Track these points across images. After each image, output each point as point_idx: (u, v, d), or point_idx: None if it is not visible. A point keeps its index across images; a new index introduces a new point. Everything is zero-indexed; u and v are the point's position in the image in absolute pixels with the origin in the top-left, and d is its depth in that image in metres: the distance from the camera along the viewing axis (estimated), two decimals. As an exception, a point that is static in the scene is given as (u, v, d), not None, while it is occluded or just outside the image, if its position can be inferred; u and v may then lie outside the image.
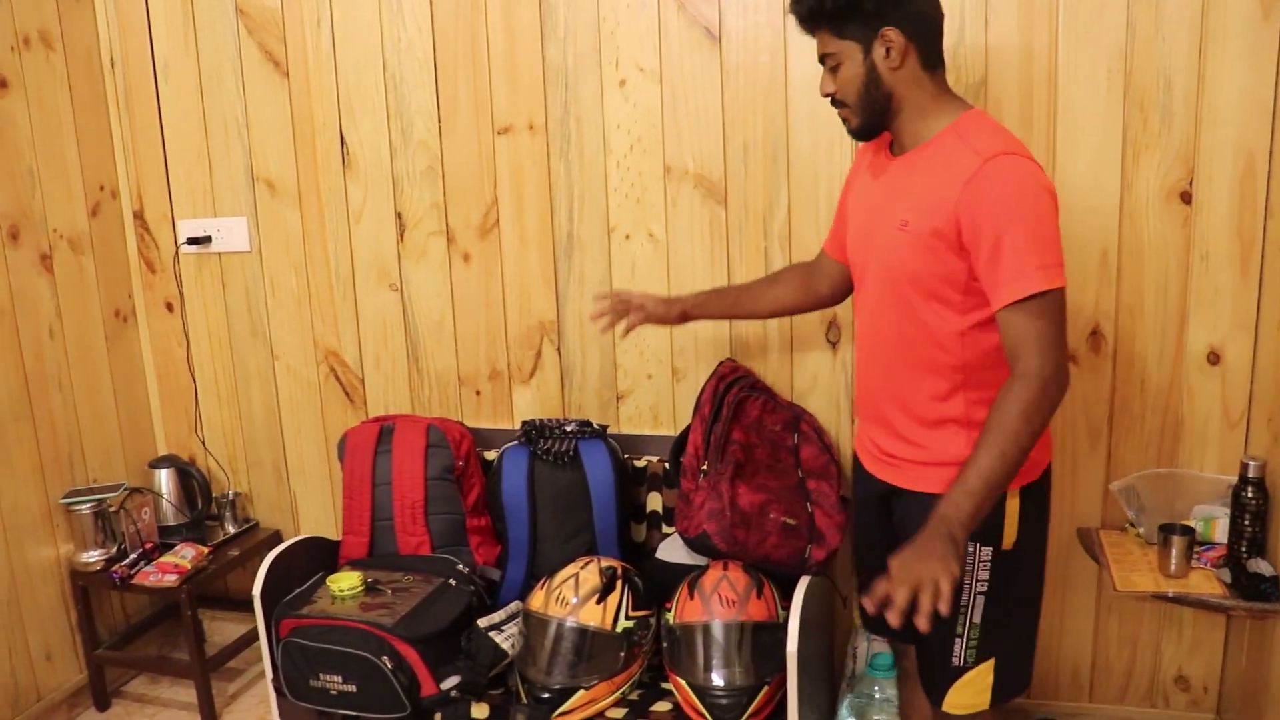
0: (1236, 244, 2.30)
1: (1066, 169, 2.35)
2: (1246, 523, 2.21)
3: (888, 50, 1.73)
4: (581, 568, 2.33)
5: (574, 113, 2.67)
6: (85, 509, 2.94)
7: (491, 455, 2.81)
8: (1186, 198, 2.31)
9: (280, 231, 3.01)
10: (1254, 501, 2.20)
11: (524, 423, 2.69)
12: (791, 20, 2.32)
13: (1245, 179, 2.27)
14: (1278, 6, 2.18)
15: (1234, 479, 2.27)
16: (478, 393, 2.93)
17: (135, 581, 2.85)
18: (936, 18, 1.79)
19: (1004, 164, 1.66)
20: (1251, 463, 2.20)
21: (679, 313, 2.34)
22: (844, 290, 2.22)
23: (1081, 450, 2.49)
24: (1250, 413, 2.37)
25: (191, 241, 3.08)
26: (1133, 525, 2.43)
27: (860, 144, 2.04)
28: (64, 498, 2.95)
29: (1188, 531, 2.24)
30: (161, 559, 2.90)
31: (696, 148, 2.60)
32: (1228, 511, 2.28)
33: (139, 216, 3.16)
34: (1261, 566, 2.18)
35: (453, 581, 2.49)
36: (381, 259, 2.93)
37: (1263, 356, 2.32)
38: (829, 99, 1.85)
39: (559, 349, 2.83)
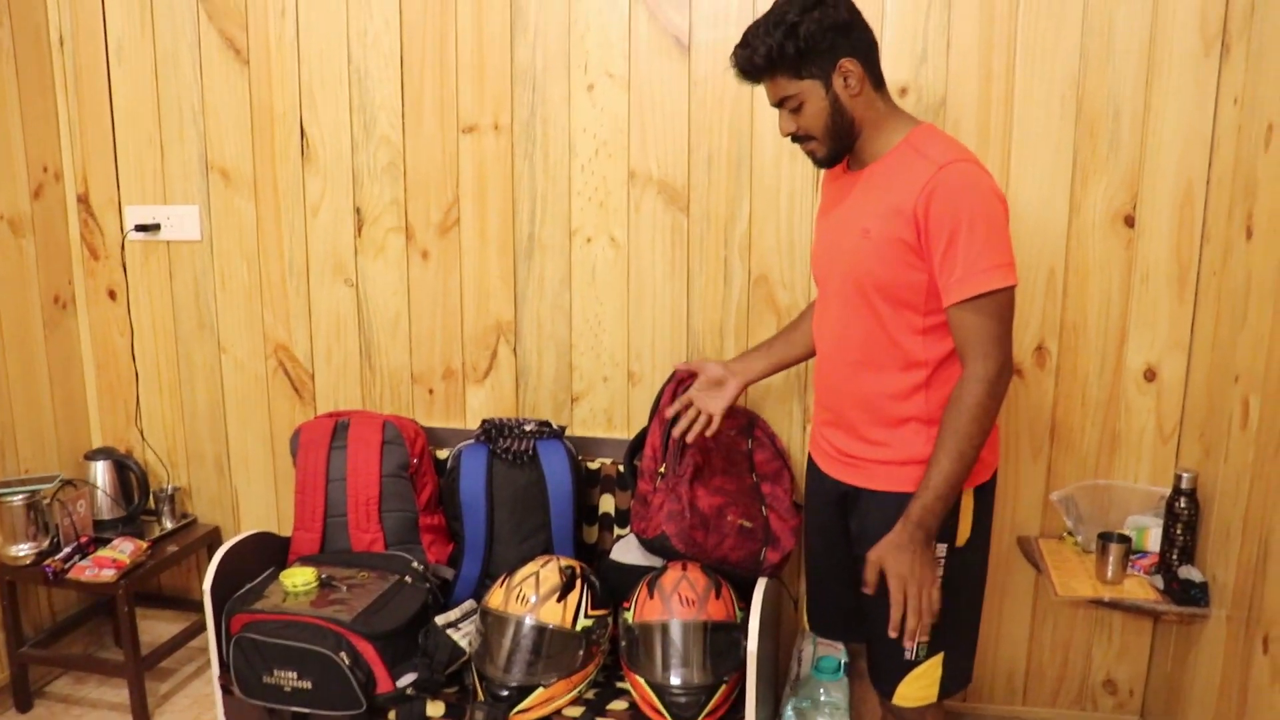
0: (1175, 266, 2.42)
1: (1019, 189, 2.45)
2: (1179, 532, 2.32)
3: (846, 79, 1.82)
4: (542, 566, 2.35)
5: (540, 115, 2.69)
6: (17, 500, 2.84)
7: (443, 454, 2.81)
8: (1130, 221, 2.42)
9: (233, 221, 2.97)
10: (1185, 512, 2.31)
11: (484, 421, 2.69)
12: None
13: (1184, 205, 2.39)
14: (1216, 45, 2.30)
15: (1167, 490, 2.39)
16: (431, 391, 2.92)
17: (70, 576, 2.77)
18: (874, 41, 1.89)
19: (957, 169, 1.75)
20: (1184, 475, 2.31)
21: (738, 389, 2.25)
22: None
23: (1024, 461, 2.59)
24: (1182, 427, 2.48)
25: (140, 229, 3.02)
26: (1071, 534, 2.53)
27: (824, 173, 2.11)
28: (-8, 488, 2.86)
29: (1124, 540, 2.34)
30: (99, 553, 2.83)
31: (661, 155, 2.64)
32: (1160, 521, 2.39)
33: (83, 200, 3.09)
34: (1192, 573, 2.28)
35: (408, 579, 2.48)
36: (338, 253, 2.91)
37: (1195, 374, 2.44)
38: (790, 137, 1.92)
39: (515, 349, 2.84)
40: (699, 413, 2.22)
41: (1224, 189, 2.33)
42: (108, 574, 2.75)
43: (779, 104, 1.89)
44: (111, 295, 3.14)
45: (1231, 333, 2.26)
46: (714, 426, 2.21)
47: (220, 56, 2.88)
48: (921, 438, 1.89)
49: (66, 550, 2.84)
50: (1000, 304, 1.75)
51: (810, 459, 2.17)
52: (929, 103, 2.44)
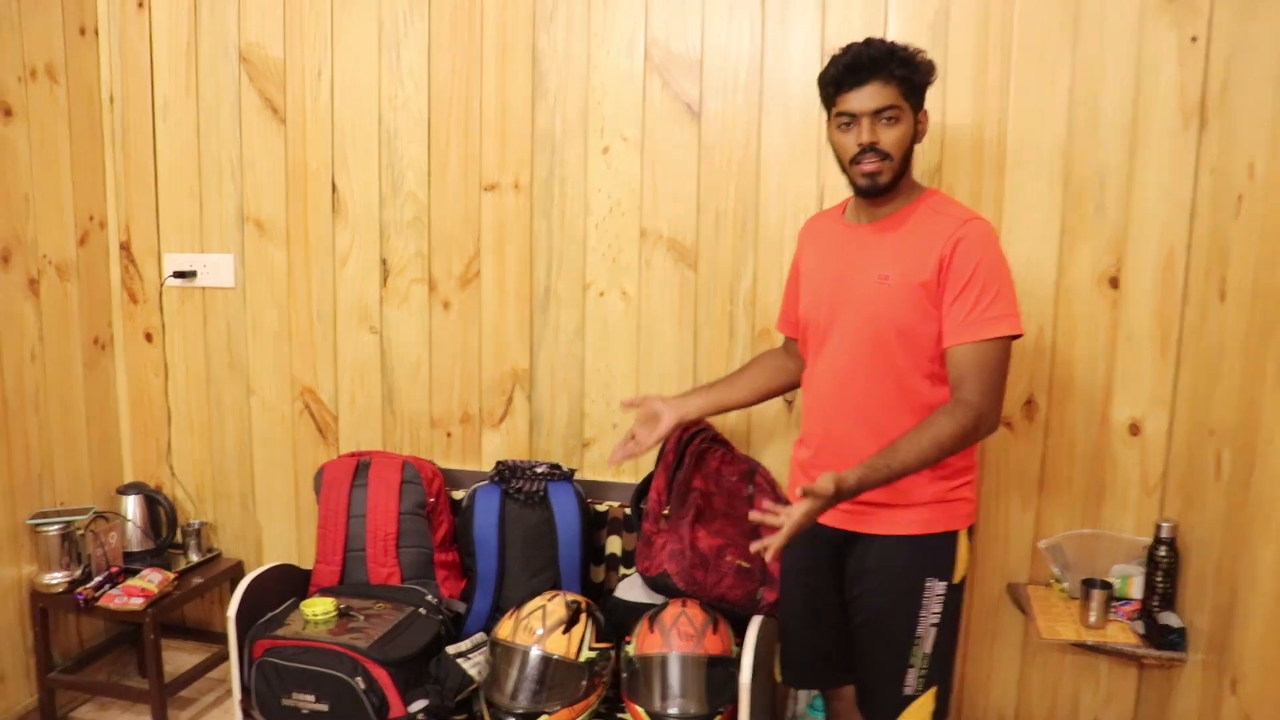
0: (1157, 327, 2.53)
1: (1009, 251, 2.55)
2: (1159, 579, 2.42)
3: (921, 124, 2.03)
4: (549, 600, 2.47)
5: (559, 175, 2.86)
6: (53, 530, 2.98)
7: (459, 495, 2.94)
8: (1115, 283, 2.54)
9: (266, 270, 3.14)
10: (1166, 560, 2.42)
11: (498, 463, 2.83)
12: (768, 100, 2.56)
13: (1166, 269, 2.51)
14: (1195, 119, 2.44)
15: (1149, 540, 2.49)
16: (448, 435, 3.07)
17: (100, 604, 2.90)
18: None
19: (981, 225, 1.96)
20: (1164, 525, 2.42)
21: (670, 424, 2.32)
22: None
23: (1014, 510, 2.69)
24: (1166, 480, 2.58)
25: (178, 275, 3.19)
26: (1058, 580, 2.62)
27: (804, 230, 2.30)
28: (31, 519, 3.00)
29: (1107, 586, 2.45)
30: (128, 582, 2.96)
31: (672, 214, 2.80)
32: (1144, 570, 2.49)
33: (125, 248, 3.27)
34: (1171, 619, 2.38)
35: (422, 610, 2.61)
36: (364, 302, 3.07)
37: (1177, 430, 2.54)
38: (866, 148, 1.97)
39: (530, 396, 2.98)
40: (631, 438, 2.34)
41: (1202, 254, 2.44)
42: (136, 602, 2.88)
43: (877, 111, 1.96)
44: (148, 338, 3.30)
45: (1208, 389, 2.38)
46: (640, 451, 2.33)
47: (259, 116, 3.07)
48: (923, 481, 2.00)
49: (98, 579, 2.97)
50: (1004, 351, 1.92)
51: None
52: (925, 169, 2.59)
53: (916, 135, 2.02)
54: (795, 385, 2.40)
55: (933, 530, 2.04)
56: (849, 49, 1.99)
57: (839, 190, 2.57)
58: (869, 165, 1.99)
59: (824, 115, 2.11)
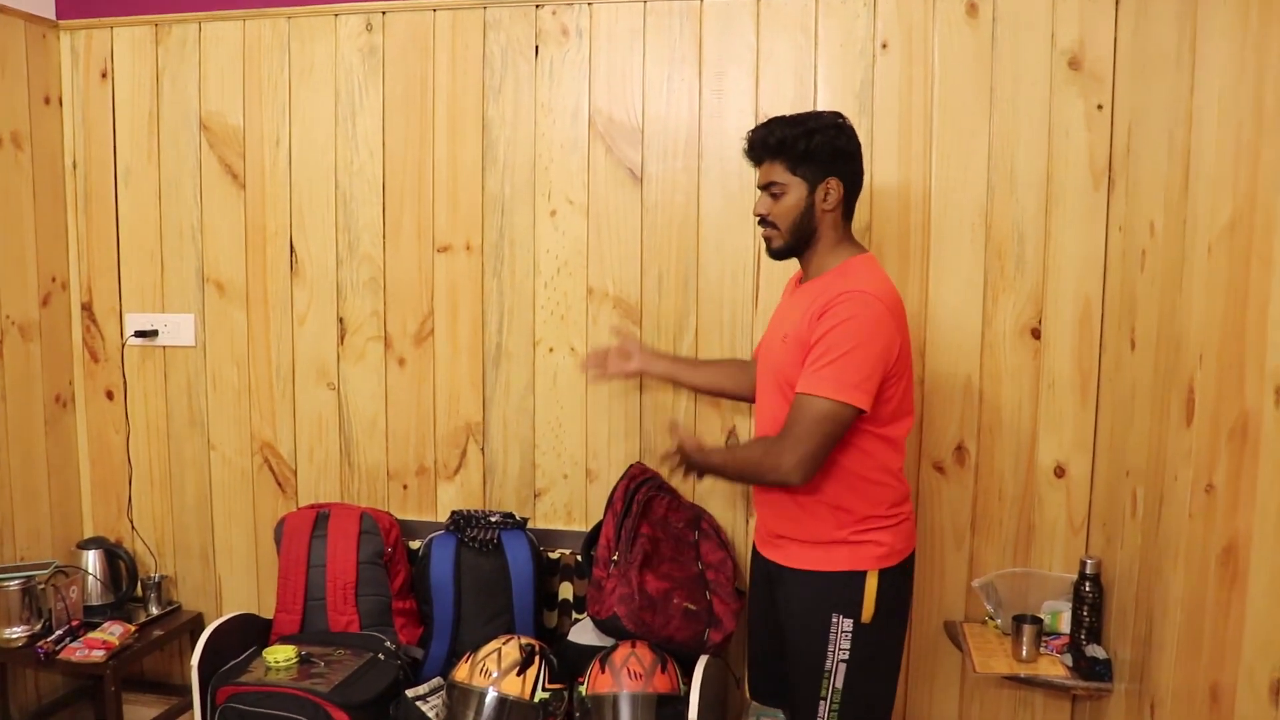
0: (1077, 375, 2.69)
1: (937, 305, 2.73)
2: (1085, 614, 2.55)
3: (826, 195, 2.14)
4: (503, 643, 2.56)
5: (508, 237, 2.99)
6: (13, 585, 2.99)
7: (416, 545, 3.02)
8: (1036, 333, 2.70)
9: (226, 329, 3.23)
10: (1091, 595, 2.54)
11: (453, 512, 2.92)
12: (706, 166, 2.71)
13: (1083, 320, 2.67)
14: (1104, 180, 2.61)
15: (1076, 576, 2.62)
16: (405, 486, 3.15)
17: (61, 656, 2.92)
18: (861, 182, 2.23)
19: (854, 296, 2.04)
20: (1088, 561, 2.55)
21: (636, 369, 2.69)
22: None
23: (948, 550, 2.82)
24: (1090, 519, 2.72)
25: (139, 335, 3.27)
26: (992, 618, 2.75)
27: (790, 282, 2.40)
28: (-10, 575, 3.04)
29: (1037, 621, 2.57)
30: (89, 635, 2.99)
31: (617, 273, 2.93)
32: (1069, 605, 2.62)
33: (87, 308, 3.34)
34: (1097, 651, 2.51)
35: (381, 656, 2.68)
36: (321, 359, 3.16)
37: (1100, 471, 2.69)
38: (759, 219, 2.22)
39: (483, 449, 3.08)
40: (604, 358, 2.69)
41: (1115, 305, 2.60)
42: (97, 654, 2.91)
43: (765, 187, 2.18)
44: (109, 395, 3.37)
45: (1123, 432, 2.52)
46: (604, 375, 2.72)
47: (219, 181, 3.17)
48: (829, 523, 2.16)
49: (58, 633, 2.99)
50: (825, 412, 2.01)
51: (754, 543, 2.43)
52: (856, 229, 2.71)
53: (811, 206, 2.15)
54: (746, 396, 2.59)
55: (838, 568, 2.15)
56: (751, 132, 2.21)
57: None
58: (765, 233, 2.23)
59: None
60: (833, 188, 2.14)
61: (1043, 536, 2.77)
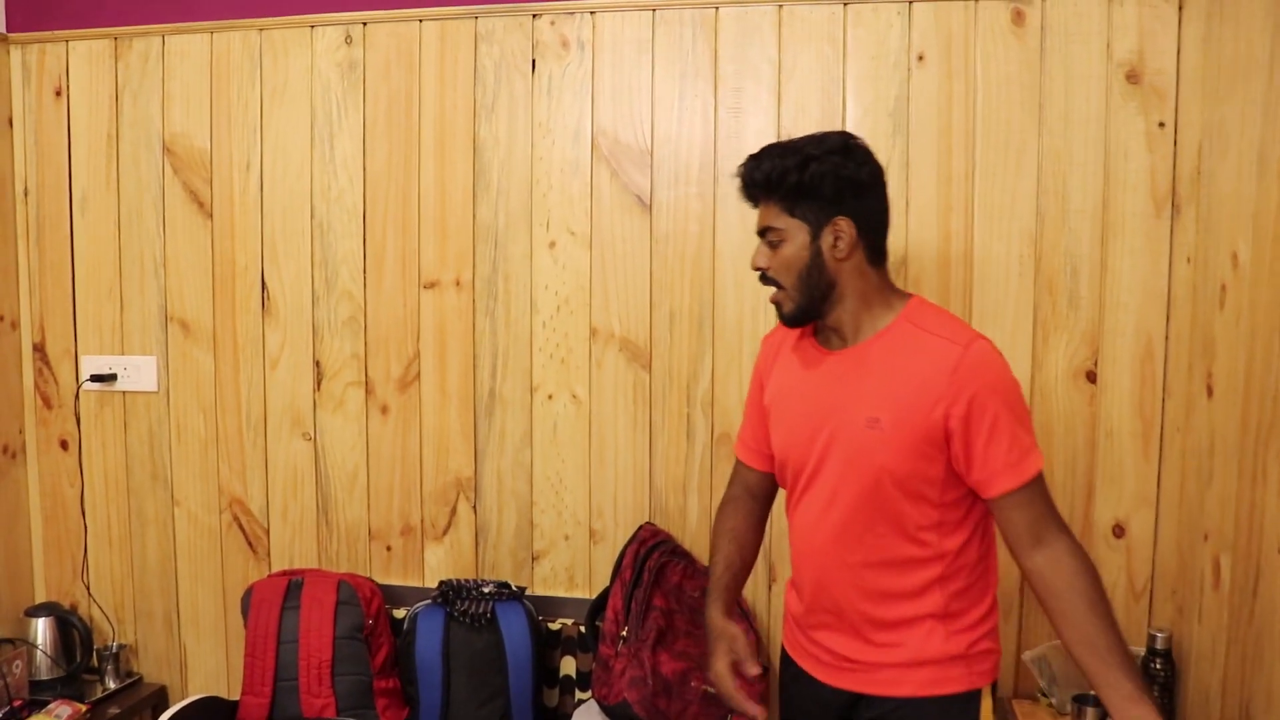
0: (1138, 422, 2.42)
1: (980, 346, 2.45)
2: (1156, 694, 2.26)
3: (836, 240, 1.72)
4: (497, 737, 2.26)
5: (502, 271, 2.71)
6: (-51, 662, 2.74)
7: (401, 613, 2.73)
8: (1092, 377, 2.43)
9: (191, 373, 2.93)
10: (1162, 673, 2.26)
11: (441, 583, 2.62)
12: (722, 192, 2.43)
13: (1145, 361, 2.40)
14: (1168, 205, 2.35)
15: (1141, 650, 2.33)
16: (389, 548, 2.86)
17: (1, 744, 2.65)
18: (886, 216, 1.81)
19: (983, 348, 1.69)
20: (1159, 635, 2.27)
21: (730, 633, 1.88)
22: (774, 492, 2.10)
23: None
24: (1153, 585, 2.45)
25: (95, 379, 2.98)
26: (1045, 695, 2.46)
27: (766, 343, 2.02)
28: (-75, 649, 2.75)
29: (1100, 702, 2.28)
30: (31, 718, 2.70)
31: (623, 311, 2.65)
32: (1137, 685, 2.33)
33: (39, 349, 3.05)
34: (1172, 741, 2.22)
35: (358, 749, 2.38)
36: (296, 407, 2.87)
37: (1164, 531, 2.41)
38: (759, 274, 1.82)
39: (475, 506, 2.79)
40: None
41: (1183, 346, 2.35)
42: (42, 743, 2.62)
43: (761, 233, 1.80)
44: (63, 445, 3.07)
45: (1199, 490, 2.25)
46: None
47: (184, 210, 2.89)
48: (938, 636, 1.77)
49: (-1, 716, 2.72)
50: (1044, 484, 1.71)
51: (790, 661, 1.97)
52: (890, 262, 2.45)
53: (818, 255, 1.73)
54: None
55: (948, 691, 1.78)
56: (741, 164, 1.82)
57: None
58: (772, 298, 1.82)
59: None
60: (843, 230, 1.72)
61: (1100, 603, 2.48)
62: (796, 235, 1.74)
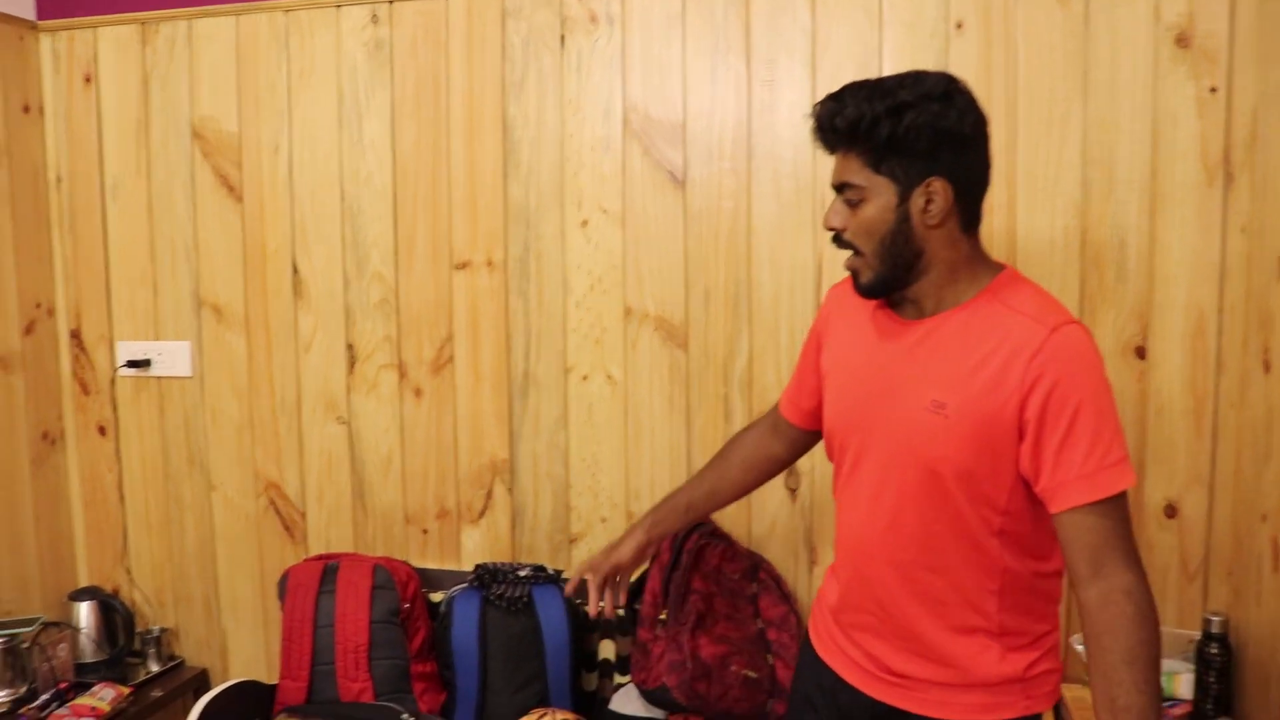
0: (1190, 398, 2.33)
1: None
2: (1212, 680, 2.19)
3: (929, 203, 1.50)
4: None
5: (534, 250, 2.66)
6: (-5, 645, 2.76)
7: (437, 597, 2.71)
8: (1141, 353, 2.35)
9: (224, 358, 2.93)
10: (1219, 658, 2.19)
11: (477, 566, 2.60)
12: (756, 167, 2.36)
13: (1196, 336, 2.31)
14: (1220, 174, 2.26)
15: (1196, 634, 2.26)
16: (424, 531, 2.84)
17: (47, 726, 2.66)
18: (987, 176, 1.59)
19: (1073, 334, 1.47)
20: (1214, 619, 2.20)
21: (636, 551, 1.96)
22: (802, 450, 2.00)
23: (1041, 602, 2.47)
24: (1208, 566, 2.37)
25: (131, 364, 2.98)
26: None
27: (831, 297, 1.85)
28: (-30, 632, 2.77)
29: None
30: (77, 700, 2.71)
31: (658, 290, 2.60)
32: (1190, 666, 2.26)
33: (75, 336, 3.06)
34: (1228, 726, 2.16)
35: (396, 734, 2.37)
36: (330, 390, 2.85)
37: (1218, 510, 2.33)
38: (833, 236, 1.60)
39: (511, 489, 2.76)
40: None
41: (1237, 320, 2.26)
42: (86, 725, 2.64)
43: (838, 188, 1.57)
44: (102, 431, 3.08)
45: (1255, 469, 2.18)
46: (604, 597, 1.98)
47: (214, 194, 2.87)
48: (991, 655, 1.58)
49: (44, 698, 2.72)
50: (1126, 506, 1.47)
51: (816, 659, 1.80)
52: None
53: (906, 219, 1.51)
54: (774, 474, 2.05)
55: (1005, 717, 1.60)
56: (817, 106, 1.57)
57: (837, 261, 2.38)
58: (847, 263, 1.61)
59: (817, 181, 1.86)
60: (937, 192, 1.49)
61: (1153, 585, 2.39)
62: (881, 195, 1.51)
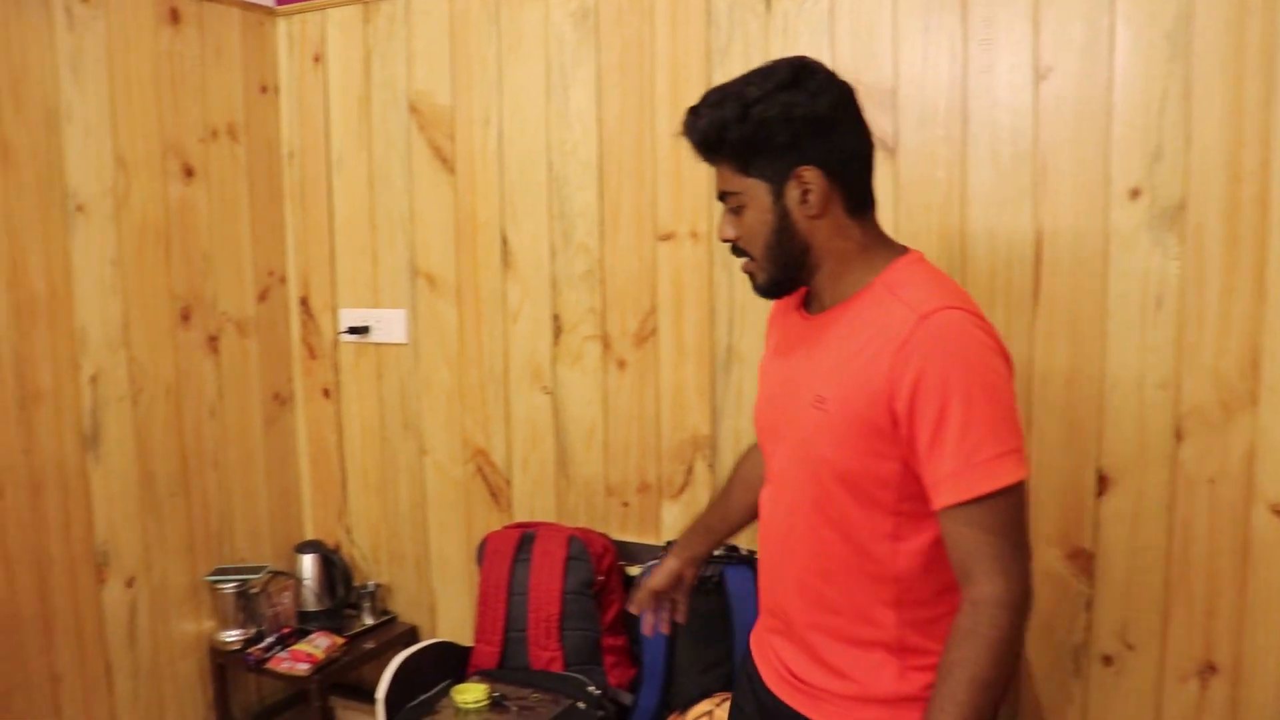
0: None
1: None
2: None
3: (804, 194, 1.45)
4: (716, 705, 2.21)
5: (738, 221, 2.59)
6: (229, 588, 2.96)
7: (635, 570, 2.71)
8: None
9: (437, 326, 3.02)
10: None
11: (668, 543, 2.58)
12: (972, 134, 2.21)
13: None
14: None
15: None
16: (625, 504, 2.83)
17: (268, 666, 2.84)
18: (866, 151, 1.51)
19: (947, 320, 1.36)
20: None
21: (668, 575, 1.96)
22: None
23: None
24: None
25: (352, 331, 3.12)
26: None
27: (776, 304, 1.75)
28: (210, 575, 2.99)
29: None
30: (296, 645, 2.89)
31: (864, 262, 2.47)
32: None
33: (304, 303, 3.23)
34: None
35: (581, 704, 2.39)
36: (535, 361, 2.89)
37: None
38: (729, 246, 1.57)
39: (711, 466, 2.71)
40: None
41: None
42: (302, 668, 2.80)
43: (721, 198, 1.54)
44: (326, 394, 3.25)
45: None
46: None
47: (428, 166, 2.96)
48: (889, 671, 1.48)
49: (268, 640, 2.92)
50: (1011, 505, 1.35)
51: (751, 657, 1.76)
52: (1164, 206, 2.16)
53: (786, 215, 1.46)
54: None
55: None
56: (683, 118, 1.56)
57: (1059, 234, 2.21)
58: (743, 268, 1.57)
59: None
60: (810, 181, 1.43)
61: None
62: (757, 196, 1.47)
